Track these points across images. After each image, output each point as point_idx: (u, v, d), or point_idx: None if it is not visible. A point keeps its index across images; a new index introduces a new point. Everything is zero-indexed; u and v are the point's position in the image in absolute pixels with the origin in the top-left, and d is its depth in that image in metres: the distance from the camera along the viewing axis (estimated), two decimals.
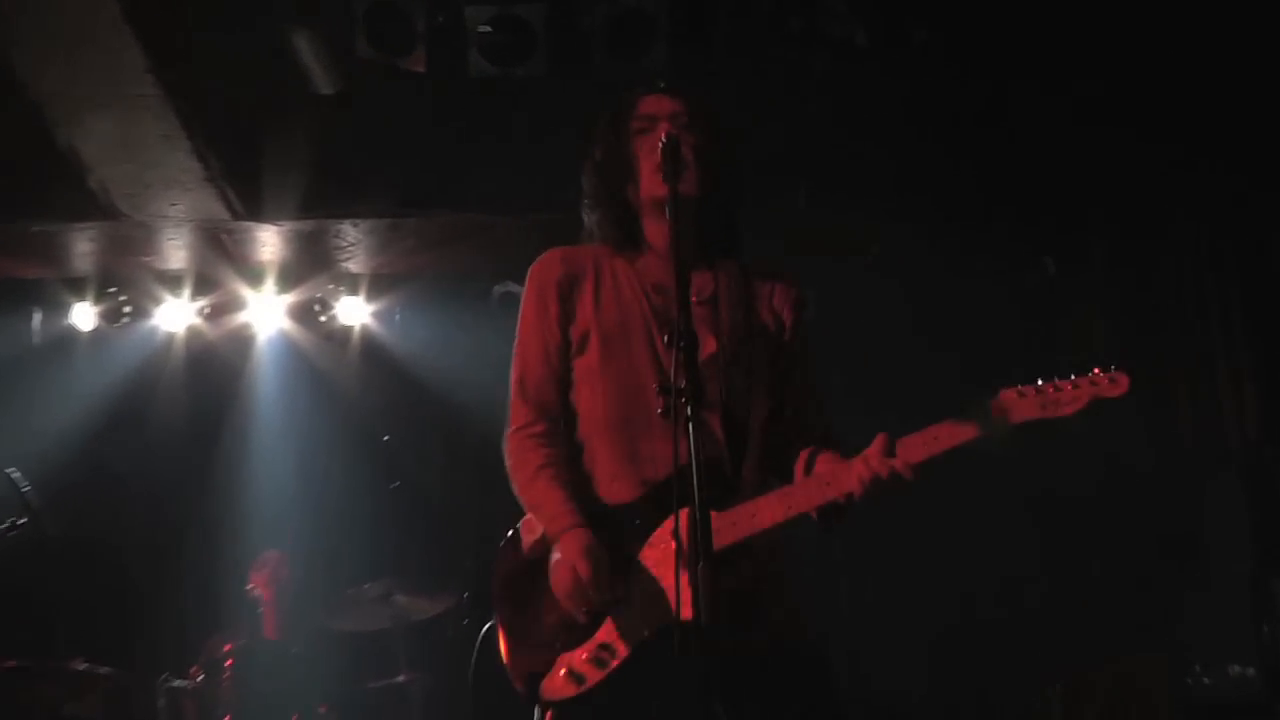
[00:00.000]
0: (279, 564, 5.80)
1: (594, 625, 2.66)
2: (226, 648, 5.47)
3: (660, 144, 2.64)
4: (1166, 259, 6.14)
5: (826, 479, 2.65)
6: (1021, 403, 2.60)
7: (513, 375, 2.91)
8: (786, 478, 2.79)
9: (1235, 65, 5.24)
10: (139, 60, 4.86)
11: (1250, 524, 5.59)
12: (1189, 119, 5.56)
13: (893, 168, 5.90)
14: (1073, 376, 2.61)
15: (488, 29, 5.42)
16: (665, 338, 2.57)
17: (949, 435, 2.59)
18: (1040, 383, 2.61)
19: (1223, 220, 5.84)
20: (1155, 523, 6.03)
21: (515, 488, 2.84)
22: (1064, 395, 2.59)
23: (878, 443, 2.61)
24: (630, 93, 2.96)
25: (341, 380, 7.38)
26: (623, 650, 2.63)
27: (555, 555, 2.68)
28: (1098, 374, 2.60)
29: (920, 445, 2.60)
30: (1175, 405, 6.06)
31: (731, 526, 2.60)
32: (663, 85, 2.95)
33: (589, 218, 2.96)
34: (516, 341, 2.93)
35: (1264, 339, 5.80)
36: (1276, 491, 5.61)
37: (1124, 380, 2.59)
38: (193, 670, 5.48)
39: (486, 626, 4.04)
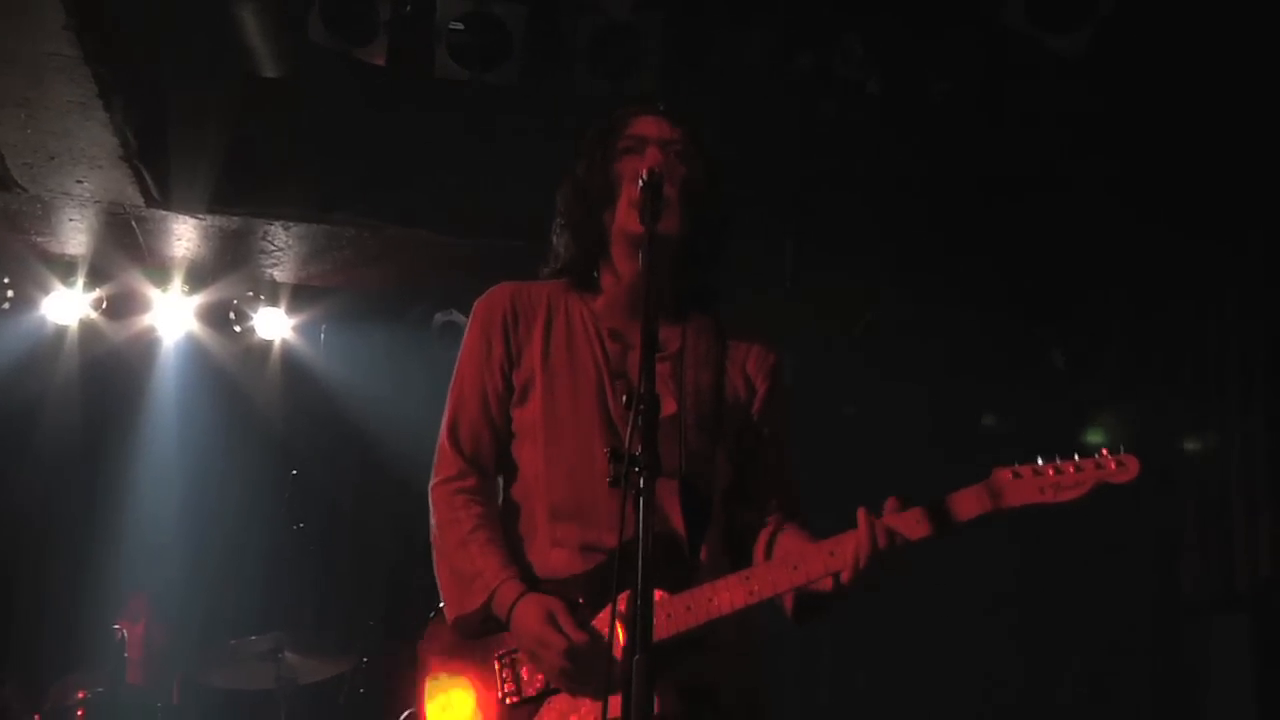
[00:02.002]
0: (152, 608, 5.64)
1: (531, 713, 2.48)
2: (80, 694, 5.14)
3: (642, 178, 2.45)
4: (1188, 356, 5.74)
5: (794, 561, 2.44)
6: (1017, 485, 2.38)
7: (445, 418, 2.73)
8: (744, 560, 2.60)
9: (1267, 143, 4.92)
10: (58, 15, 4.43)
11: (1253, 680, 5.11)
12: (1227, 202, 5.28)
13: (895, 231, 5.60)
14: (1076, 457, 2.40)
15: (459, 26, 5.13)
16: (615, 388, 2.52)
17: (920, 525, 2.38)
18: (1040, 462, 2.40)
19: (1251, 316, 5.40)
20: (1147, 672, 5.68)
21: (438, 548, 2.64)
22: (1065, 479, 2.38)
23: (863, 520, 2.38)
24: (625, 109, 2.79)
25: (251, 400, 7.10)
26: None
27: (521, 631, 2.47)
28: (1105, 456, 2.39)
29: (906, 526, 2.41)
30: (1180, 531, 5.61)
31: (686, 611, 2.41)
32: (662, 107, 2.76)
33: (557, 239, 2.77)
34: (453, 380, 2.75)
35: None
36: None
37: (1134, 465, 2.36)
38: (35, 717, 5.19)
39: (405, 716, 3.90)
